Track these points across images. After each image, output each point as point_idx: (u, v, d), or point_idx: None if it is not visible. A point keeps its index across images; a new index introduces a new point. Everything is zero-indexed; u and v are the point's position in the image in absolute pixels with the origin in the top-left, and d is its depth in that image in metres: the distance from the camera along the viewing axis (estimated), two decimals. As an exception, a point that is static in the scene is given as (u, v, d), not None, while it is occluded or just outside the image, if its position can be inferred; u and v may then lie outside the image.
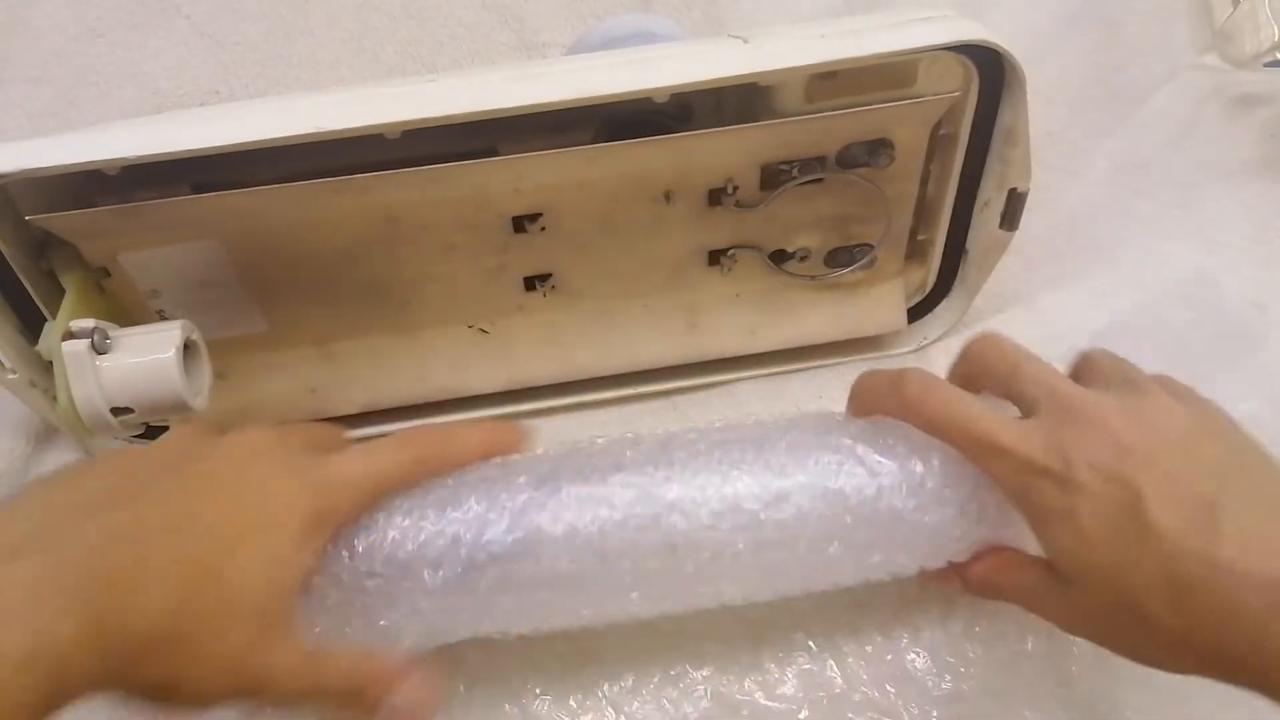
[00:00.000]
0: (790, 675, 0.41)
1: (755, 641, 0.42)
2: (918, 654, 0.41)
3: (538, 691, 0.41)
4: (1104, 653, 0.34)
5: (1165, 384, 0.34)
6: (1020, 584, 0.35)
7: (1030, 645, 0.41)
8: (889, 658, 0.41)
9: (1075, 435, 0.31)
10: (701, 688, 0.41)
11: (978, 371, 0.36)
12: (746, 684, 0.41)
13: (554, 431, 0.50)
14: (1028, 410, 0.33)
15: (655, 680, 0.41)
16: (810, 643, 0.42)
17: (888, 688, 0.41)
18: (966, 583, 0.37)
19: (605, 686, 0.41)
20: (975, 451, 0.33)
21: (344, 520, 0.33)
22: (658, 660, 0.42)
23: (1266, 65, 0.61)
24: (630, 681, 0.41)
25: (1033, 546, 0.34)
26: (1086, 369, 0.35)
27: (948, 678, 0.41)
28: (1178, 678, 0.32)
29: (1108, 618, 0.32)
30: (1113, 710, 0.40)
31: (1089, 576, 0.31)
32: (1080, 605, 0.33)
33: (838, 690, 0.41)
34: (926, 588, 0.40)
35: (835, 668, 0.41)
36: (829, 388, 0.51)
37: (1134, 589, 0.30)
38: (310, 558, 0.31)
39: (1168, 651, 0.31)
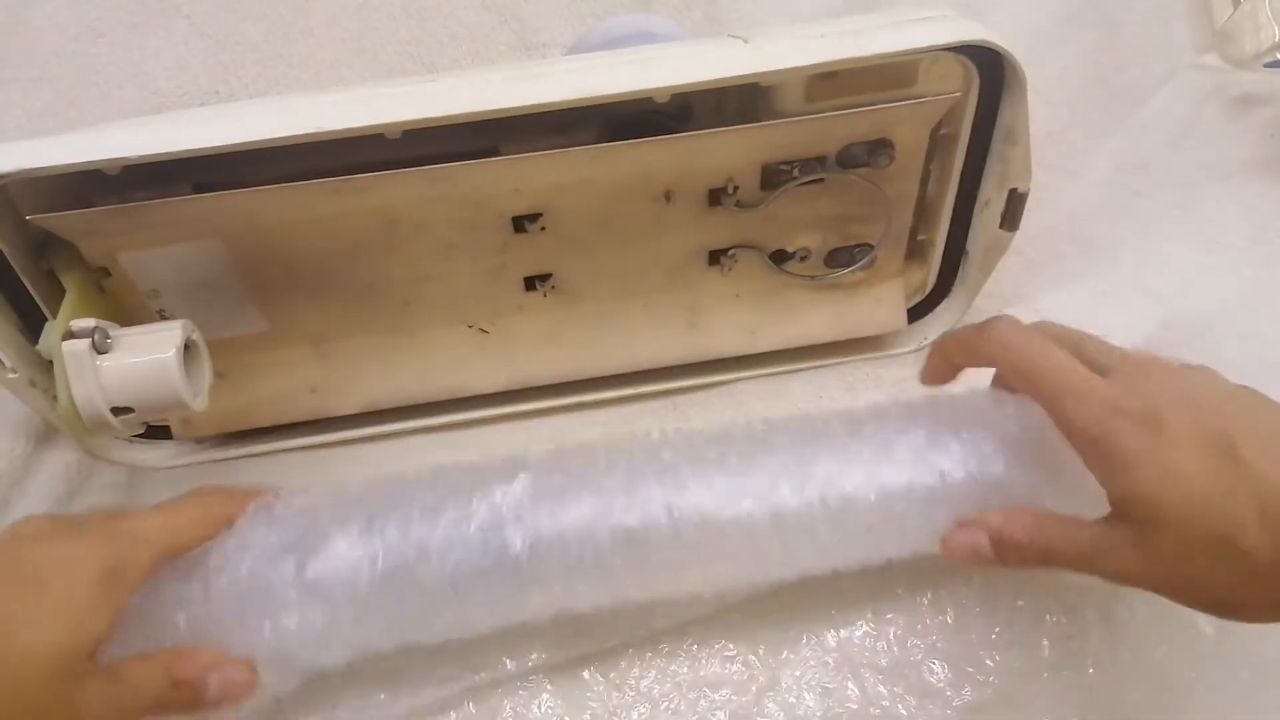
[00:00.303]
0: (808, 695, 0.41)
1: (773, 660, 0.42)
2: (935, 664, 0.41)
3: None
4: (1120, 658, 0.34)
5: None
6: (1075, 541, 0.34)
7: (1047, 651, 0.41)
8: (906, 671, 0.41)
9: (1156, 384, 0.33)
10: (720, 712, 0.41)
11: (1013, 355, 0.36)
12: (766, 705, 0.41)
13: (554, 431, 0.50)
14: (1101, 373, 0.34)
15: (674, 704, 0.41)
16: (827, 659, 0.42)
17: (909, 699, 0.41)
18: (1007, 552, 0.36)
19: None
20: (1060, 393, 0.34)
21: (141, 575, 0.33)
22: (677, 688, 0.42)
23: (1266, 65, 0.61)
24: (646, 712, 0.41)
25: None
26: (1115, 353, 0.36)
27: (966, 688, 0.41)
28: (1193, 677, 0.32)
29: (1194, 556, 0.32)
30: (1129, 715, 0.40)
31: (1177, 512, 0.31)
32: (1160, 548, 0.32)
33: (854, 706, 0.41)
34: (941, 581, 0.41)
35: (853, 685, 0.41)
36: (829, 388, 0.51)
37: (1229, 519, 0.31)
38: (108, 612, 0.32)
39: (1255, 585, 0.31)
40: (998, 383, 0.40)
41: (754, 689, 0.41)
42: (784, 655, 0.42)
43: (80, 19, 0.58)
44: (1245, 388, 0.34)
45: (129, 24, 0.59)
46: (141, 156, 0.37)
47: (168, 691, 0.33)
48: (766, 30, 0.44)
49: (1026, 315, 0.53)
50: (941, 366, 0.40)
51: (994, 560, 0.36)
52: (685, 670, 0.42)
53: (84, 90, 0.58)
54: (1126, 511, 0.33)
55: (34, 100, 0.57)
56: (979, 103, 0.44)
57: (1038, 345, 0.35)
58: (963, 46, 0.40)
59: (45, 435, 0.48)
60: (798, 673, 0.41)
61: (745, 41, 0.40)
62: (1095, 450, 0.33)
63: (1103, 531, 0.33)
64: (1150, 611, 0.41)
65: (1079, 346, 0.36)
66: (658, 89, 0.39)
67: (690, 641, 0.42)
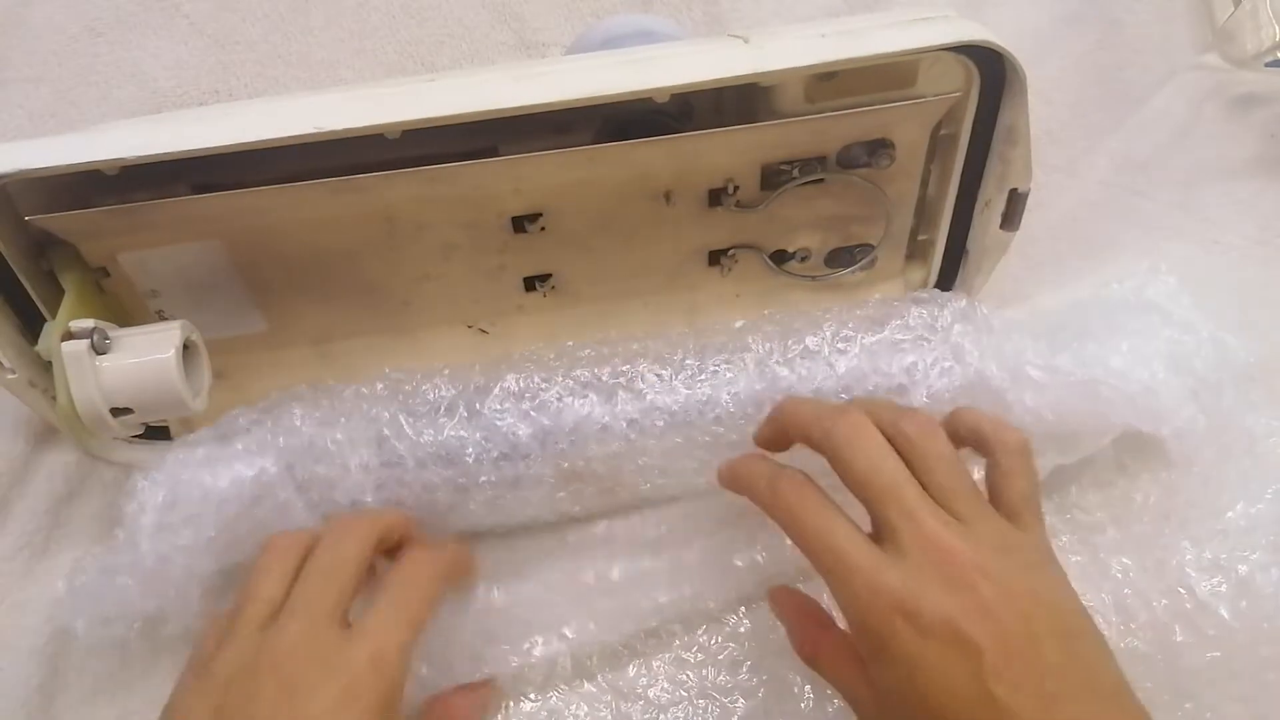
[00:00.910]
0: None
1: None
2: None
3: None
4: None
5: (1027, 508, 0.35)
6: (839, 676, 0.35)
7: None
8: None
9: (935, 586, 0.31)
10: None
11: (835, 461, 0.35)
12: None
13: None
14: (885, 535, 0.33)
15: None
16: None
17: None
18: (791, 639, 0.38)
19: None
20: (833, 572, 0.33)
21: (397, 690, 0.34)
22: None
23: (1267, 65, 0.60)
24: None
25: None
26: (930, 476, 0.34)
27: None
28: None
29: None
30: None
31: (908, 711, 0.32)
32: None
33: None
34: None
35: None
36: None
37: None
38: None
39: None
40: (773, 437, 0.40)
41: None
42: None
43: (80, 19, 0.58)
44: (1046, 582, 0.33)
45: (129, 24, 0.59)
46: (141, 157, 0.37)
47: None
48: (766, 30, 0.44)
49: (1026, 316, 0.54)
50: (728, 486, 0.40)
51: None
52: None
53: (83, 90, 0.58)
54: (872, 683, 0.33)
55: (34, 100, 0.57)
56: (979, 103, 0.44)
57: (815, 516, 0.34)
58: (963, 46, 0.40)
59: (45, 435, 0.48)
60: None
61: (745, 41, 0.40)
62: (861, 632, 0.33)
63: (865, 691, 0.34)
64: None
65: (868, 489, 0.34)
66: (657, 89, 0.39)
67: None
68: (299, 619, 0.34)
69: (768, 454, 0.39)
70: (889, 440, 0.35)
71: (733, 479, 0.39)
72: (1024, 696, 0.30)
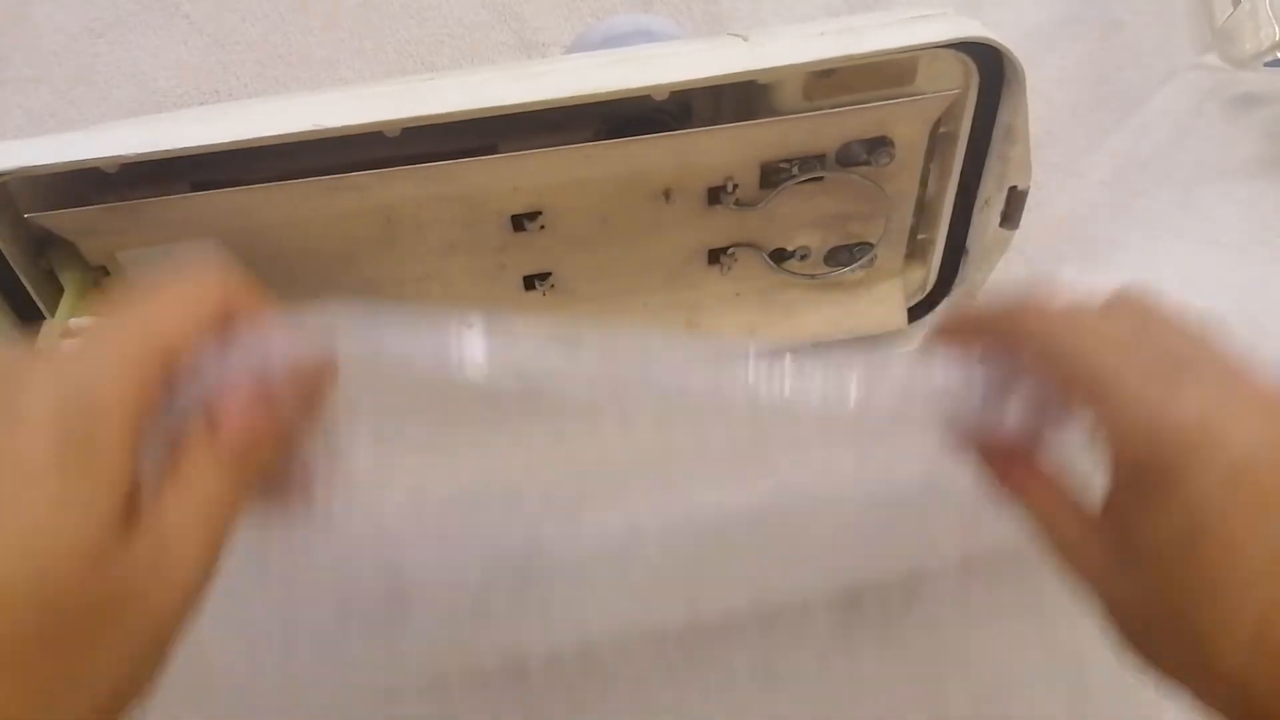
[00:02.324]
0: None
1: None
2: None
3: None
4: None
5: None
6: (1069, 534, 0.28)
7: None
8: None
9: (1250, 418, 0.25)
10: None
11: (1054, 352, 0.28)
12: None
13: (553, 431, 0.50)
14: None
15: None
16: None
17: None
18: (1005, 487, 0.30)
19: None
20: (1108, 392, 0.26)
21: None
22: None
23: (1267, 65, 0.61)
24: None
25: None
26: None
27: None
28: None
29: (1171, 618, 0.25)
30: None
31: (1202, 555, 0.24)
32: (1146, 594, 0.26)
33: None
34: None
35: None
36: (829, 387, 0.51)
37: (1222, 648, 0.24)
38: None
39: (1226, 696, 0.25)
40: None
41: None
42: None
43: (80, 19, 0.58)
44: None
45: (128, 24, 0.59)
46: (140, 155, 0.37)
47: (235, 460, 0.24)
48: (766, 28, 0.44)
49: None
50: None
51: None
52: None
53: (83, 90, 0.58)
54: (1125, 537, 0.26)
55: (33, 100, 0.57)
56: (978, 101, 0.44)
57: (1083, 322, 0.28)
58: (962, 44, 0.40)
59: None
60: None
61: (744, 39, 0.40)
62: (1137, 476, 0.26)
63: (1094, 543, 0.27)
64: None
65: None
66: (656, 86, 0.39)
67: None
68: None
69: None
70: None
71: (957, 322, 0.31)
72: None
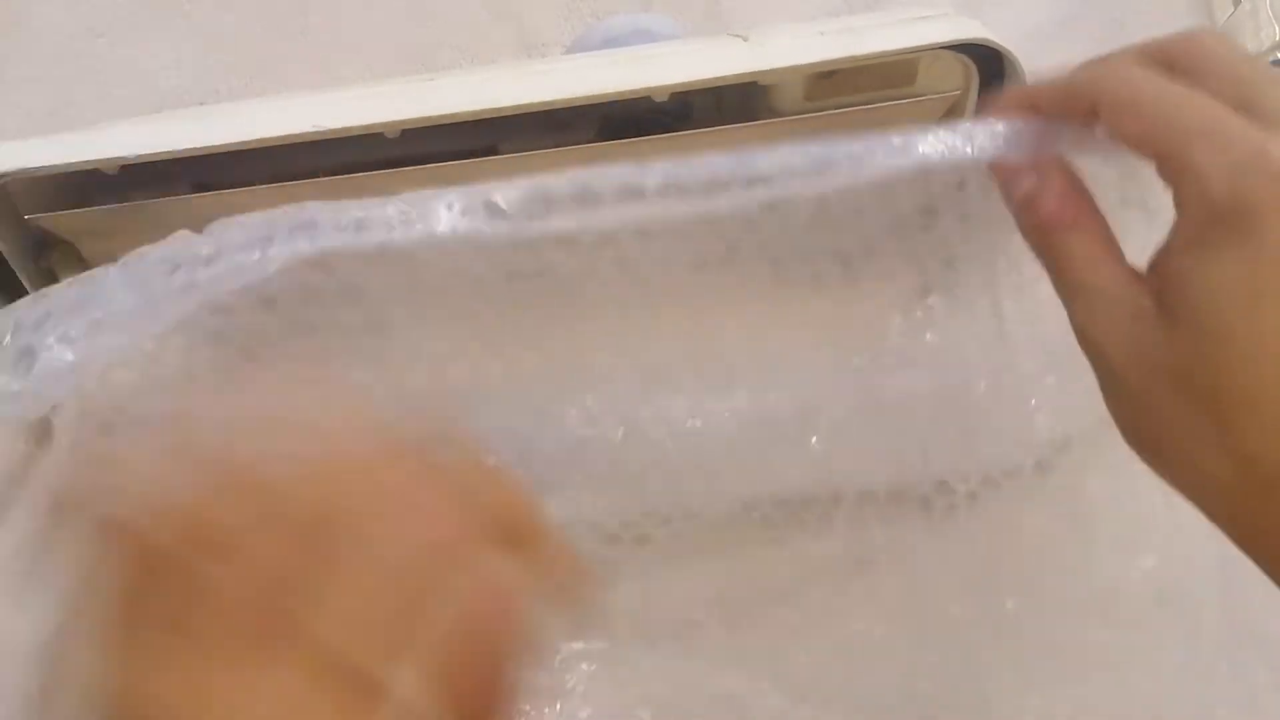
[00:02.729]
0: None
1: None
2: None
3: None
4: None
5: None
6: (1103, 281, 0.26)
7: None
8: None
9: None
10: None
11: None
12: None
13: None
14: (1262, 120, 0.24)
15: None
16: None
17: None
18: (1033, 226, 0.28)
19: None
20: (1201, 134, 0.24)
21: None
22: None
23: (1267, 65, 0.61)
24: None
25: None
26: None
27: None
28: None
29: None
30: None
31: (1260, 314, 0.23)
32: (1188, 357, 0.24)
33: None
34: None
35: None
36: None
37: None
38: None
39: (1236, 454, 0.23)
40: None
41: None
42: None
43: (79, 18, 0.58)
44: None
45: (128, 23, 0.59)
46: (140, 156, 0.37)
47: None
48: (766, 29, 0.44)
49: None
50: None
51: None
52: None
53: (83, 90, 0.58)
54: (1178, 293, 0.24)
55: (33, 100, 0.57)
56: (979, 101, 0.44)
57: (1159, 80, 0.25)
58: (962, 45, 0.40)
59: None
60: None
61: (745, 40, 0.40)
62: (1224, 215, 0.23)
63: (1138, 298, 0.25)
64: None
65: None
66: (656, 87, 0.39)
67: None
68: None
69: None
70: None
71: (1016, 95, 0.29)
72: None
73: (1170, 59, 0.26)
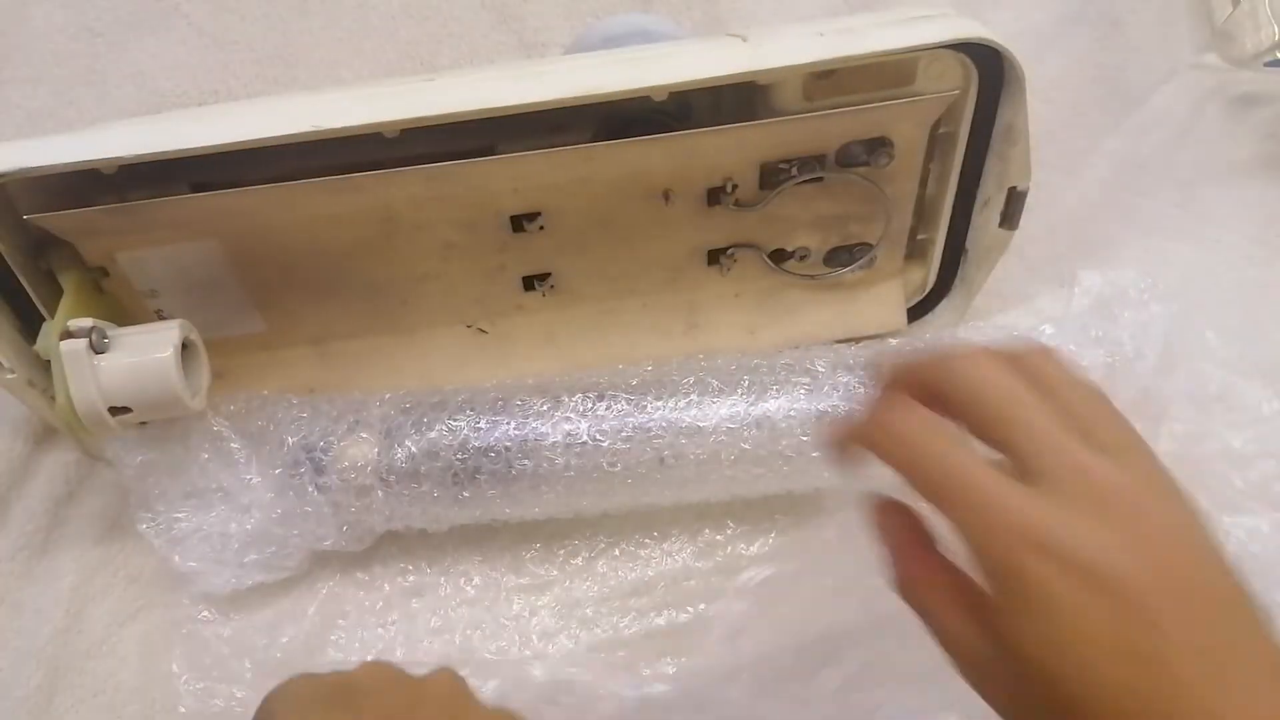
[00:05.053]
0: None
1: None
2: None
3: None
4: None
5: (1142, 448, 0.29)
6: (950, 624, 0.29)
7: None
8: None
9: (1095, 524, 0.26)
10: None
11: (956, 400, 0.30)
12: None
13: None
14: (1025, 470, 0.27)
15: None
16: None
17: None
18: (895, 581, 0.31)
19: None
20: (960, 504, 0.27)
21: None
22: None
23: (1266, 65, 0.61)
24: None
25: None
26: (1068, 408, 0.29)
27: None
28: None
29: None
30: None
31: (1042, 683, 0.26)
32: (1023, 693, 0.27)
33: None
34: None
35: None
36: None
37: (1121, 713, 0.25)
38: None
39: None
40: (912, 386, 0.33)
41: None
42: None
43: (79, 19, 0.58)
44: (1209, 533, 0.27)
45: (128, 24, 0.59)
46: (139, 156, 0.37)
47: None
48: (765, 29, 0.44)
49: (1026, 317, 0.54)
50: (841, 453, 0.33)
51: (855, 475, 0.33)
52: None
53: (82, 90, 0.58)
54: (1003, 637, 0.27)
55: (32, 100, 0.57)
56: (978, 101, 0.44)
57: (936, 439, 0.29)
58: (961, 44, 0.40)
59: (44, 436, 0.48)
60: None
61: (744, 40, 0.40)
62: (998, 578, 0.27)
63: (984, 646, 0.28)
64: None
65: (1003, 423, 0.28)
66: (655, 87, 0.39)
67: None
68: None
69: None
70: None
71: (839, 433, 0.33)
72: (1191, 656, 0.25)
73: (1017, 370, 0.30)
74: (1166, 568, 0.26)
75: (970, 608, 0.28)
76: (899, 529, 0.32)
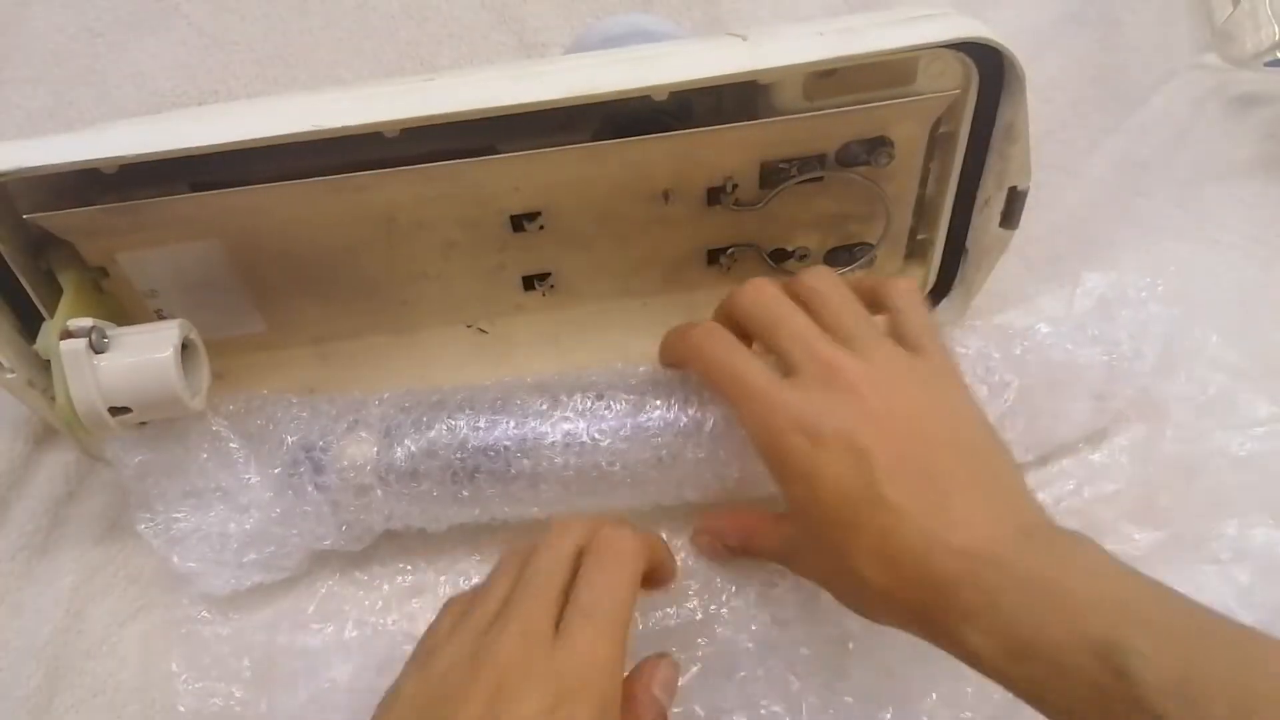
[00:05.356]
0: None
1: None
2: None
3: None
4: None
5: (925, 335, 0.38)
6: (768, 544, 0.39)
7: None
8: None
9: (828, 399, 0.35)
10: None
11: (741, 320, 0.39)
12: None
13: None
14: (787, 369, 0.37)
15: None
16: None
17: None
18: (729, 550, 0.42)
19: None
20: (738, 398, 0.36)
21: (610, 702, 0.33)
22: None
23: (1267, 65, 0.60)
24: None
25: None
26: (823, 315, 0.38)
27: None
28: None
29: (829, 569, 0.36)
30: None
31: (817, 532, 0.35)
32: (809, 554, 0.37)
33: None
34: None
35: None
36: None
37: (853, 551, 0.34)
38: None
39: (873, 604, 0.35)
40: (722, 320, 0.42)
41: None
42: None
43: (78, 19, 0.58)
44: (938, 381, 0.37)
45: (127, 24, 0.59)
46: (139, 155, 0.37)
47: None
48: (765, 29, 0.44)
49: (1026, 317, 0.54)
50: (663, 363, 0.44)
51: (723, 554, 0.43)
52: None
53: (82, 90, 0.58)
54: (790, 517, 0.36)
55: (32, 100, 0.57)
56: (978, 100, 0.44)
57: (720, 353, 0.38)
58: (962, 44, 0.40)
59: (44, 436, 0.48)
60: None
61: (744, 39, 0.40)
62: (767, 456, 0.36)
63: (788, 532, 0.38)
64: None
65: (773, 332, 0.38)
66: (655, 86, 0.39)
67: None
68: (512, 626, 0.33)
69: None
70: (791, 294, 0.39)
71: (663, 349, 0.43)
72: (915, 496, 0.33)
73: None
74: (888, 430, 0.34)
75: (780, 519, 0.39)
76: (728, 518, 0.43)
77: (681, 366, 0.43)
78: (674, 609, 0.44)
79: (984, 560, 0.32)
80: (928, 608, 0.33)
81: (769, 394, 0.36)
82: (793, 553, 0.39)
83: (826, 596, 0.38)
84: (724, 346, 0.38)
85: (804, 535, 0.37)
